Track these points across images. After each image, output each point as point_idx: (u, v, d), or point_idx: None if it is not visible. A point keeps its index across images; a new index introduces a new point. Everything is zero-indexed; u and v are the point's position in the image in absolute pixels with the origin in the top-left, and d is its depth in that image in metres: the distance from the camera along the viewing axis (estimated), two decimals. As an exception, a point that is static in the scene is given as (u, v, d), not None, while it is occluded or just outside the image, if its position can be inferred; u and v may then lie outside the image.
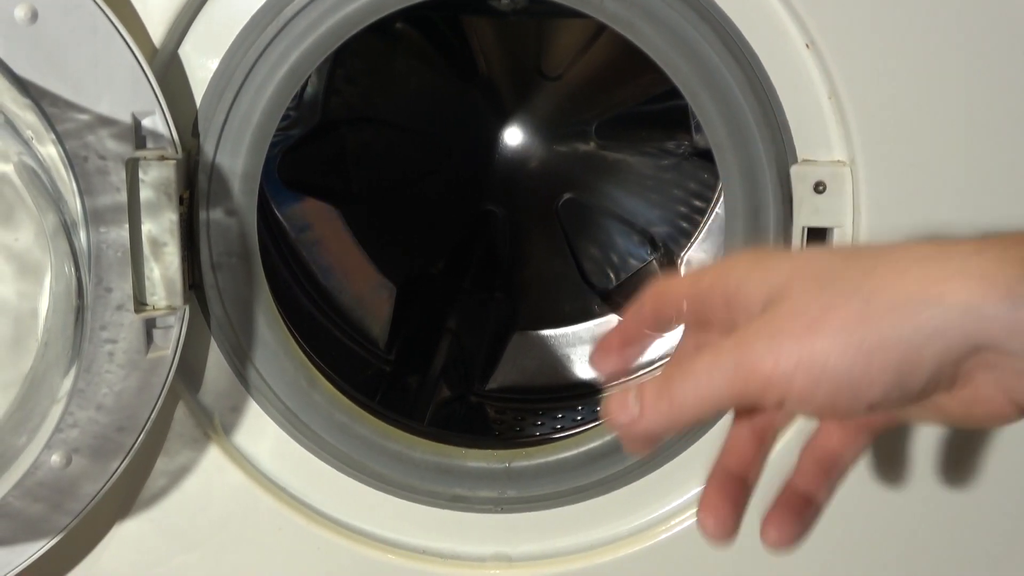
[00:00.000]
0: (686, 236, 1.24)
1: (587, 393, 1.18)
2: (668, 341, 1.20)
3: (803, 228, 0.79)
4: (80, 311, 0.75)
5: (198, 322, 0.81)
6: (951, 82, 0.74)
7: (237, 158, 0.78)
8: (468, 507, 0.88)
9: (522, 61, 1.26)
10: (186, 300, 0.76)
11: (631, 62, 1.14)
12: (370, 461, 0.86)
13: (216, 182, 0.78)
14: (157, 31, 0.75)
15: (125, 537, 0.86)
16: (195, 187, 0.78)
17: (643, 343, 0.56)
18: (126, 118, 0.72)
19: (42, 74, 0.70)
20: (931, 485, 0.85)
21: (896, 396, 0.44)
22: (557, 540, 0.89)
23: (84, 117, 0.71)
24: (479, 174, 1.29)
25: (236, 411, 0.85)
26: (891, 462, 0.84)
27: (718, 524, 0.56)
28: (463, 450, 0.88)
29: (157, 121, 0.73)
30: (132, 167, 0.72)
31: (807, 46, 0.75)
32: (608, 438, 0.86)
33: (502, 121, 1.27)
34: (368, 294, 1.22)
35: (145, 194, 0.73)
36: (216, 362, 0.84)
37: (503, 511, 0.88)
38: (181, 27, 0.76)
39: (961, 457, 0.84)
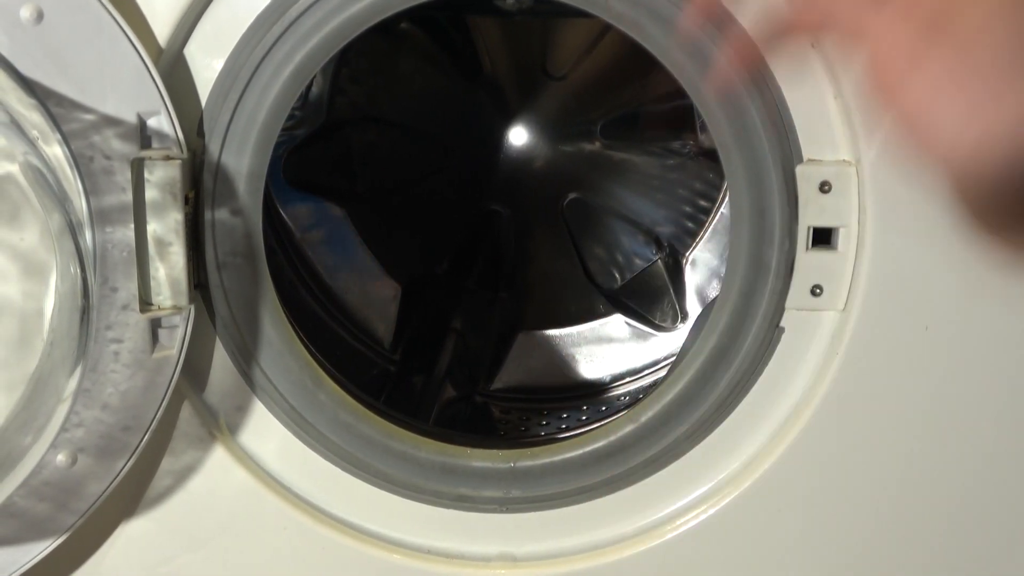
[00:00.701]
0: (691, 236, 1.24)
1: (592, 393, 1.18)
2: (673, 342, 1.20)
3: (808, 228, 0.78)
4: (85, 311, 0.75)
5: (203, 322, 0.81)
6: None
7: (242, 158, 0.78)
8: (473, 507, 0.88)
9: (527, 61, 1.26)
10: (191, 300, 0.76)
11: (636, 62, 1.14)
12: (375, 461, 0.86)
13: (221, 182, 0.78)
14: (162, 31, 0.75)
15: (130, 536, 0.86)
16: (200, 187, 0.78)
17: None
18: (131, 118, 0.72)
19: (48, 74, 0.70)
20: (931, 486, 0.85)
21: (1003, 188, 0.38)
22: (562, 540, 0.88)
23: (90, 117, 0.71)
24: (484, 174, 1.29)
25: (241, 411, 0.85)
26: (891, 464, 0.84)
27: None
28: (468, 450, 0.88)
29: (162, 121, 0.73)
30: (137, 167, 0.72)
31: (812, 45, 0.75)
32: (613, 438, 0.86)
33: (507, 121, 1.27)
34: (373, 294, 1.22)
35: (150, 194, 0.73)
36: (221, 362, 0.84)
37: (508, 511, 0.88)
38: (186, 27, 0.76)
39: (962, 457, 0.84)
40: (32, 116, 0.71)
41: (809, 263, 0.79)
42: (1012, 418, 0.82)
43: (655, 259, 1.26)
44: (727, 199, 1.14)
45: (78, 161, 0.71)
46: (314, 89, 1.20)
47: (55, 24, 0.70)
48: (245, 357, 0.83)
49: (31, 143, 0.73)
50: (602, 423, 0.91)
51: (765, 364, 0.83)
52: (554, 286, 1.30)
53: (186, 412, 0.84)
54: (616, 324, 1.24)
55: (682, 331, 1.21)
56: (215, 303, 0.81)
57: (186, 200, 0.75)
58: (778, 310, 0.81)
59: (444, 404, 1.13)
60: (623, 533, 0.88)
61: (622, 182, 1.28)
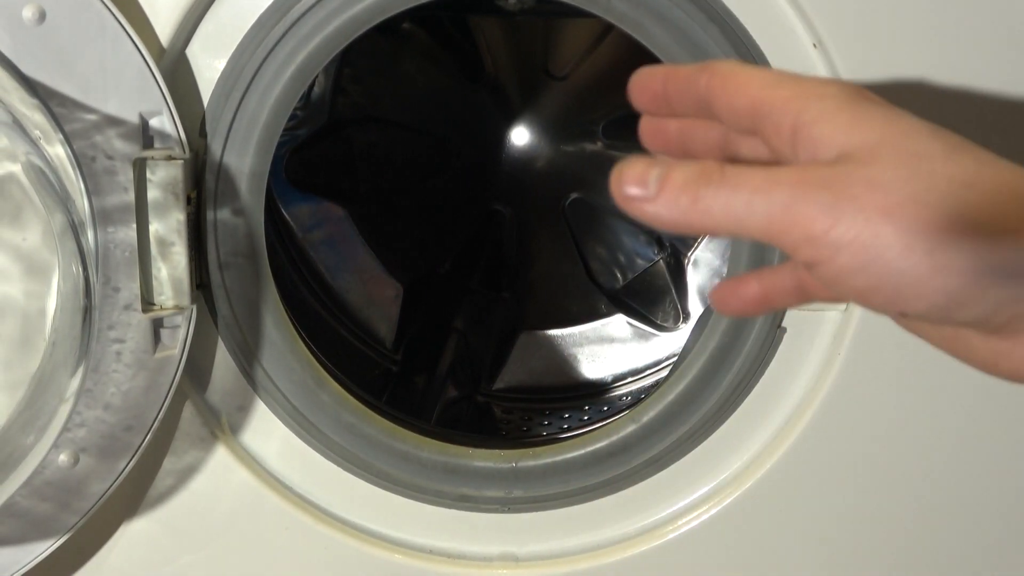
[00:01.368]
0: (693, 236, 1.24)
1: (594, 393, 1.18)
2: (675, 342, 1.20)
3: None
4: (88, 311, 0.75)
5: (205, 322, 0.81)
6: (959, 82, 0.74)
7: (244, 158, 0.78)
8: (475, 507, 0.88)
9: (529, 61, 1.26)
10: (193, 300, 0.76)
11: (638, 62, 1.13)
12: (377, 461, 0.86)
13: (223, 182, 0.78)
14: (165, 31, 0.75)
15: (132, 536, 0.86)
16: (202, 187, 0.78)
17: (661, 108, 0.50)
18: (134, 118, 0.72)
19: (50, 74, 0.70)
20: (933, 486, 0.85)
21: (935, 316, 0.41)
22: (564, 540, 0.88)
23: (92, 117, 0.71)
24: (486, 174, 1.29)
25: (243, 411, 0.85)
26: (893, 464, 0.84)
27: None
28: (470, 450, 0.88)
29: (165, 121, 0.73)
30: (140, 167, 0.72)
31: (814, 46, 0.75)
32: (615, 438, 0.86)
33: (509, 121, 1.27)
34: (375, 294, 1.22)
35: (153, 194, 0.73)
36: (223, 362, 0.84)
37: (510, 511, 0.88)
38: (188, 27, 0.76)
39: (962, 458, 0.84)
40: (34, 116, 0.72)
41: (811, 263, 0.79)
42: (1014, 418, 0.82)
43: (657, 259, 1.26)
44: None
45: (80, 161, 0.71)
46: (316, 89, 1.20)
47: (57, 24, 0.70)
48: (247, 357, 0.83)
49: (33, 143, 0.73)
50: (604, 423, 0.91)
51: (767, 364, 0.83)
52: (556, 286, 1.30)
53: (188, 412, 0.84)
54: (618, 324, 1.24)
55: (684, 331, 1.21)
56: (217, 303, 0.81)
57: (188, 200, 0.75)
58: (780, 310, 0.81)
59: (446, 404, 1.13)
60: (625, 533, 0.88)
61: (624, 182, 1.27)
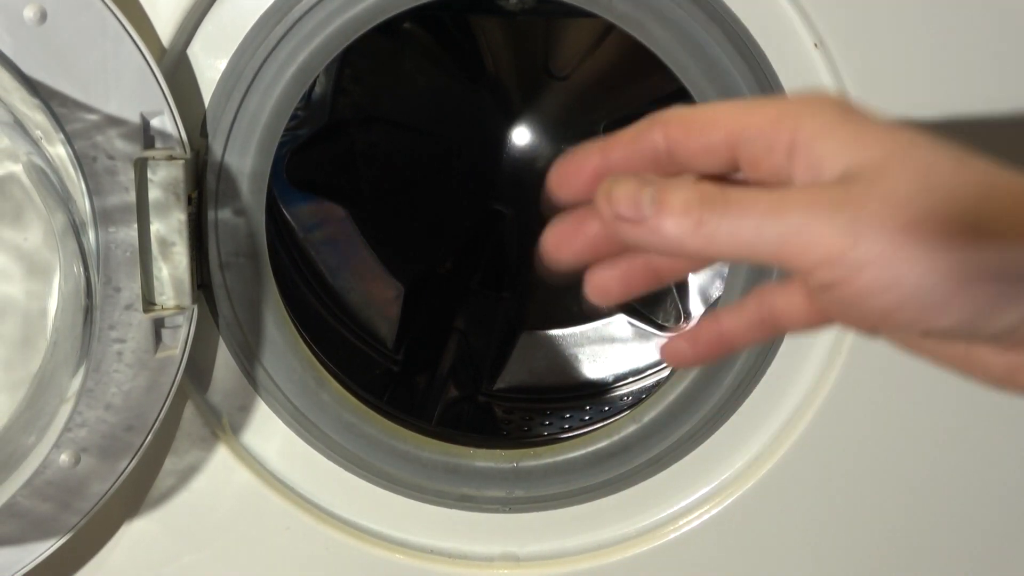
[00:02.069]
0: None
1: (595, 393, 1.18)
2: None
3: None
4: (89, 311, 0.75)
5: (206, 322, 0.81)
6: (960, 82, 0.74)
7: (245, 158, 0.78)
8: (476, 507, 0.88)
9: (530, 61, 1.26)
10: (194, 300, 0.76)
11: (639, 62, 1.13)
12: (378, 461, 0.86)
13: (224, 182, 0.78)
14: (166, 31, 0.75)
15: (133, 536, 0.86)
16: (203, 187, 0.78)
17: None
18: (135, 118, 0.72)
19: (51, 74, 0.70)
20: (935, 486, 0.85)
21: (960, 332, 0.39)
22: (565, 540, 0.88)
23: (93, 117, 0.71)
24: (487, 174, 1.29)
25: (244, 410, 0.85)
26: (895, 464, 0.84)
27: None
28: (471, 450, 0.88)
29: (166, 121, 0.73)
30: (141, 167, 0.72)
31: (815, 45, 0.75)
32: (616, 438, 0.86)
33: (510, 121, 1.27)
34: (376, 294, 1.22)
35: (154, 194, 0.73)
36: (224, 362, 0.84)
37: (511, 511, 0.88)
38: (189, 27, 0.76)
39: (964, 459, 0.84)
40: (35, 116, 0.72)
41: (812, 263, 0.79)
42: (1016, 417, 0.82)
43: (658, 259, 1.26)
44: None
45: (81, 161, 0.71)
46: (317, 89, 1.20)
47: (58, 24, 0.70)
48: (248, 357, 0.83)
49: (34, 143, 0.73)
50: (605, 423, 0.91)
51: (768, 364, 0.83)
52: (557, 286, 1.30)
53: (189, 412, 0.84)
54: (619, 324, 1.24)
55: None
56: (218, 303, 0.81)
57: (189, 200, 0.75)
58: (781, 310, 0.81)
59: (447, 404, 1.13)
60: (626, 533, 0.88)
61: (625, 182, 1.27)
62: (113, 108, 0.71)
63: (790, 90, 0.76)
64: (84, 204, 0.73)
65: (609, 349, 1.23)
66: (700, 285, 1.23)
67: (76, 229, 0.74)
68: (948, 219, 0.38)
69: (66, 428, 0.76)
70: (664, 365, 1.16)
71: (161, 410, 0.77)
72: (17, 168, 0.77)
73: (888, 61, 0.74)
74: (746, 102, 0.44)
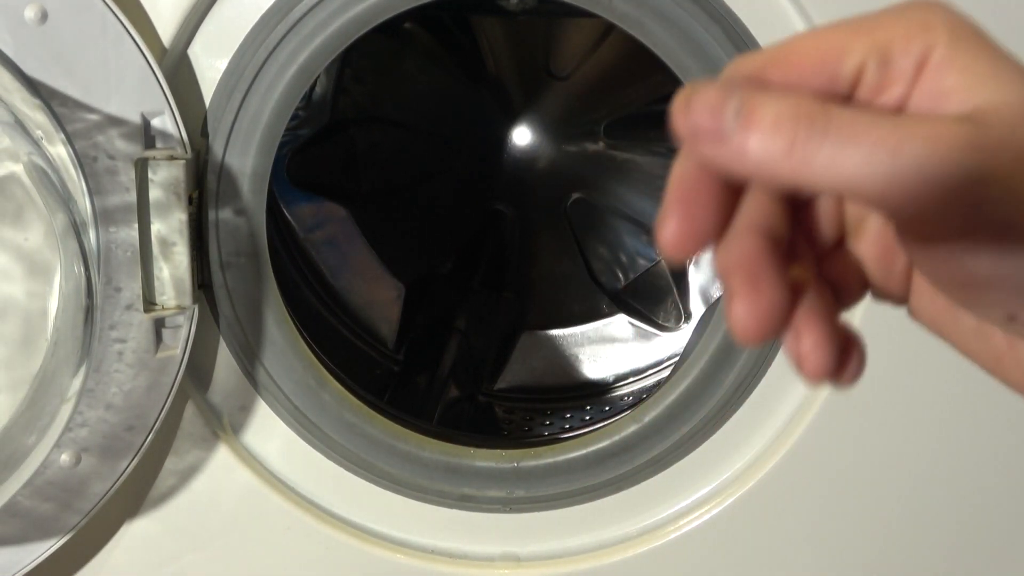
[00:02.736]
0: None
1: (596, 393, 1.18)
2: (677, 342, 1.20)
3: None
4: (90, 311, 0.75)
5: (207, 322, 0.81)
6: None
7: (246, 158, 0.78)
8: (476, 507, 0.88)
9: (531, 61, 1.26)
10: (195, 300, 0.76)
11: (640, 62, 1.13)
12: (379, 461, 0.86)
13: (225, 182, 0.78)
14: (166, 31, 0.75)
15: (134, 536, 0.86)
16: (204, 187, 0.78)
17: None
18: (135, 118, 0.72)
19: (52, 74, 0.70)
20: (936, 485, 0.85)
21: None
22: (565, 540, 0.88)
23: (94, 117, 0.71)
24: (488, 174, 1.29)
25: (245, 410, 0.85)
26: (896, 463, 0.84)
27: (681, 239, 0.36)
28: (472, 450, 0.88)
29: (166, 121, 0.73)
30: (141, 167, 0.72)
31: (816, 45, 0.75)
32: (616, 438, 0.86)
33: (511, 121, 1.27)
34: (377, 294, 1.22)
35: (154, 194, 0.73)
36: (225, 362, 0.84)
37: (511, 511, 0.88)
38: (190, 27, 0.76)
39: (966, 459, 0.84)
40: (36, 116, 0.72)
41: (813, 263, 0.79)
42: (1018, 416, 0.82)
43: (658, 259, 1.26)
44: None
45: (82, 161, 0.71)
46: (318, 89, 1.20)
47: (59, 24, 0.70)
48: (249, 357, 0.83)
49: (35, 143, 0.73)
50: (606, 423, 0.91)
51: (769, 364, 0.83)
52: (557, 286, 1.30)
53: (190, 412, 0.84)
54: (619, 324, 1.24)
55: (686, 331, 1.21)
56: (219, 303, 0.81)
57: (190, 200, 0.75)
58: (782, 310, 0.81)
59: (448, 404, 1.13)
60: (627, 533, 0.88)
61: (626, 182, 1.28)
62: (114, 108, 0.71)
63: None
64: (85, 204, 0.73)
65: (610, 349, 1.23)
66: (701, 285, 1.23)
67: (77, 229, 0.74)
68: None
69: (67, 428, 0.76)
70: (665, 365, 1.16)
71: (162, 410, 0.77)
72: (18, 168, 0.77)
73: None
74: (840, 23, 0.36)
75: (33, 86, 0.70)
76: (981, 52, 0.34)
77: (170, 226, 0.74)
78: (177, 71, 0.77)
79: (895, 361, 0.81)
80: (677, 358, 1.12)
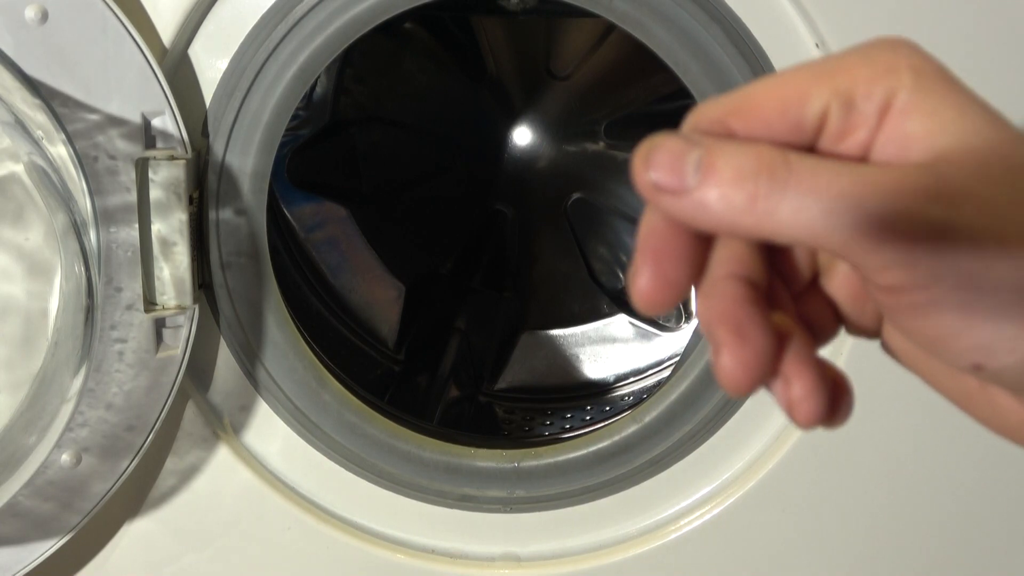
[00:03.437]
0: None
1: (596, 393, 1.18)
2: (677, 342, 1.20)
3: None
4: (90, 310, 0.75)
5: (207, 321, 0.81)
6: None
7: (247, 158, 0.78)
8: (477, 507, 0.88)
9: (531, 61, 1.26)
10: (195, 299, 0.76)
11: (640, 62, 1.14)
12: (379, 460, 0.86)
13: (226, 182, 0.78)
14: (167, 31, 0.75)
15: (135, 536, 0.86)
16: (205, 187, 0.78)
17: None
18: (136, 118, 0.72)
19: (52, 74, 0.70)
20: (938, 485, 0.85)
21: (1016, 375, 0.34)
22: (566, 540, 0.88)
23: (94, 117, 0.71)
24: (488, 174, 1.29)
25: (245, 410, 0.85)
26: (897, 463, 0.84)
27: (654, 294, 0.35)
28: (472, 450, 0.88)
29: (167, 121, 0.73)
30: (142, 167, 0.72)
31: (817, 46, 0.75)
32: (617, 438, 0.86)
33: (511, 121, 1.27)
34: (377, 294, 1.22)
35: (155, 194, 0.73)
36: (225, 361, 0.84)
37: (512, 511, 0.88)
38: (191, 27, 0.76)
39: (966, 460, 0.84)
40: (36, 116, 0.72)
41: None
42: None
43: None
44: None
45: (82, 161, 0.71)
46: (318, 89, 1.20)
47: (60, 24, 0.70)
48: (249, 357, 0.83)
49: (36, 143, 0.73)
50: (606, 423, 0.91)
51: (769, 364, 0.83)
52: (558, 286, 1.30)
53: (190, 412, 0.84)
54: (620, 324, 1.24)
55: (686, 331, 1.21)
56: (219, 303, 0.81)
57: (190, 200, 0.75)
58: (782, 310, 0.81)
59: (448, 404, 1.13)
60: (627, 533, 0.88)
61: (626, 182, 1.28)
62: (114, 108, 0.71)
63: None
64: (85, 204, 0.73)
65: (610, 349, 1.23)
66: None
67: (77, 229, 0.74)
68: None
69: (67, 428, 0.76)
70: (665, 365, 1.16)
71: (162, 410, 0.77)
72: (18, 168, 0.77)
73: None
74: (808, 65, 0.35)
75: (33, 86, 0.70)
76: (946, 95, 0.34)
77: (171, 226, 0.74)
78: (178, 71, 0.77)
79: (895, 362, 0.81)
80: (677, 358, 1.12)
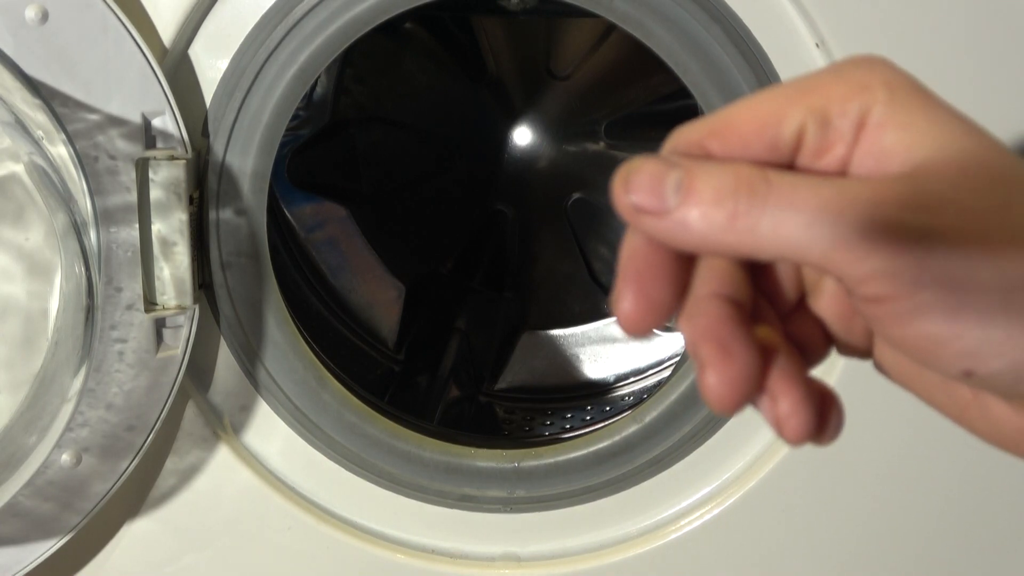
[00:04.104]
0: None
1: (596, 393, 1.18)
2: (677, 342, 1.20)
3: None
4: (90, 311, 0.75)
5: (208, 321, 0.81)
6: (961, 82, 0.74)
7: (247, 158, 0.78)
8: (477, 507, 0.88)
9: (531, 61, 1.26)
10: (196, 299, 0.76)
11: (641, 62, 1.14)
12: (379, 460, 0.86)
13: (226, 182, 0.78)
14: (167, 31, 0.75)
15: (135, 536, 0.86)
16: (205, 187, 0.78)
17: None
18: (136, 118, 0.72)
19: (52, 74, 0.70)
20: (940, 484, 0.85)
21: (1009, 379, 0.34)
22: (566, 540, 0.88)
23: (94, 117, 0.71)
24: (488, 174, 1.29)
25: (246, 410, 0.85)
26: (899, 462, 0.84)
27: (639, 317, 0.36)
28: (472, 450, 0.88)
29: (167, 121, 0.73)
30: (142, 167, 0.72)
31: (817, 45, 0.75)
32: (617, 438, 0.86)
33: (511, 121, 1.27)
34: (378, 294, 1.22)
35: (155, 194, 0.73)
36: (226, 361, 0.84)
37: (512, 511, 0.88)
38: (191, 27, 0.76)
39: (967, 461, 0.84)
40: (37, 116, 0.72)
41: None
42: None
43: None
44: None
45: (83, 161, 0.71)
46: (318, 89, 1.20)
47: (60, 24, 0.70)
48: (249, 357, 0.83)
49: (36, 143, 0.73)
50: (606, 423, 0.91)
51: (769, 364, 0.83)
52: (558, 286, 1.30)
53: (190, 412, 0.84)
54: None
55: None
56: (219, 303, 0.81)
57: (191, 200, 0.75)
58: (782, 310, 0.81)
59: (448, 404, 1.13)
60: (627, 533, 0.88)
61: (626, 182, 1.27)
62: (114, 108, 0.71)
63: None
64: (85, 204, 0.73)
65: (610, 349, 1.23)
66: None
67: (77, 229, 0.74)
68: None
69: (67, 428, 0.76)
70: (665, 365, 1.16)
71: (162, 410, 0.77)
72: (19, 168, 0.77)
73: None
74: (782, 86, 0.36)
75: (34, 86, 0.70)
76: (920, 108, 0.34)
77: (171, 226, 0.74)
78: (178, 71, 0.77)
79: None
80: (678, 358, 1.12)
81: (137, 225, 0.73)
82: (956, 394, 0.38)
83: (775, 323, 0.38)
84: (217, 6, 0.76)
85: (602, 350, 1.23)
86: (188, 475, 0.85)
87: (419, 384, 1.15)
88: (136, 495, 0.85)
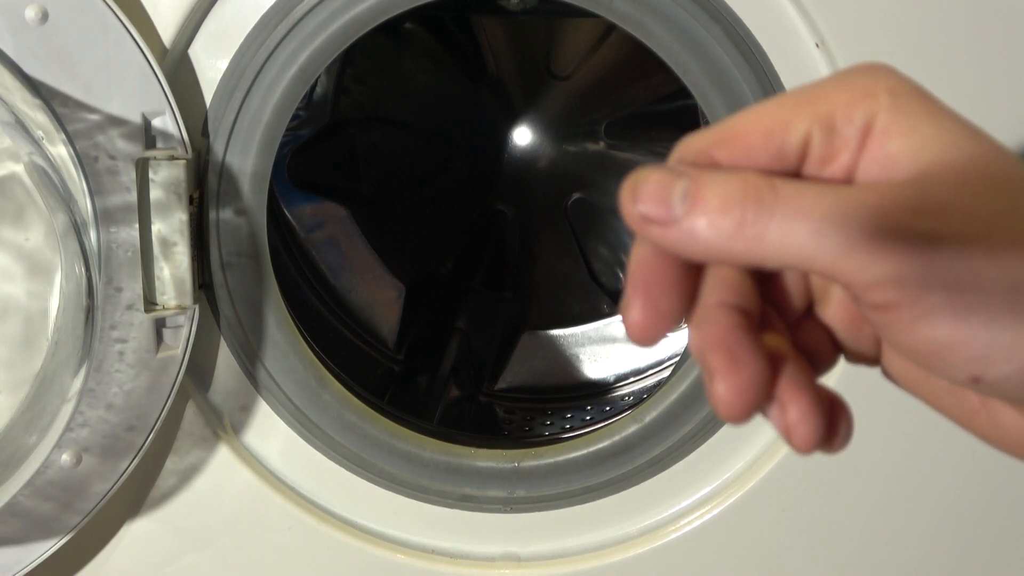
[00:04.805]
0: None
1: (596, 393, 1.18)
2: (677, 342, 1.20)
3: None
4: (90, 311, 0.75)
5: (208, 321, 0.81)
6: (961, 82, 0.74)
7: (247, 158, 0.78)
8: (477, 507, 0.88)
9: (532, 61, 1.26)
10: (196, 300, 0.76)
11: (641, 62, 1.13)
12: (379, 460, 0.86)
13: (226, 182, 0.78)
14: (167, 31, 0.75)
15: (135, 536, 0.86)
16: (205, 187, 0.78)
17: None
18: (136, 118, 0.72)
19: (52, 74, 0.70)
20: (941, 483, 0.85)
21: (1017, 384, 0.34)
22: (566, 540, 0.88)
23: (94, 117, 0.71)
24: (488, 174, 1.29)
25: (246, 410, 0.85)
26: (899, 462, 0.84)
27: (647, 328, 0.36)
28: (472, 450, 0.88)
29: (167, 121, 0.73)
30: (142, 167, 0.72)
31: (817, 45, 0.75)
32: (617, 438, 0.86)
33: (511, 121, 1.27)
34: (378, 294, 1.22)
35: (155, 194, 0.73)
36: (226, 361, 0.84)
37: (512, 511, 0.88)
38: (191, 27, 0.76)
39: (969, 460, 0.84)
40: (37, 116, 0.72)
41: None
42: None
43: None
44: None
45: (83, 161, 0.71)
46: (318, 89, 1.20)
47: (60, 24, 0.70)
48: (249, 357, 0.83)
49: (36, 143, 0.73)
50: (606, 423, 0.91)
51: (769, 364, 0.83)
52: (558, 286, 1.30)
53: (190, 412, 0.84)
54: (620, 324, 1.24)
55: (686, 331, 1.21)
56: (219, 303, 0.81)
57: (191, 200, 0.75)
58: (782, 310, 0.81)
59: (448, 404, 1.13)
60: (627, 533, 0.88)
61: (626, 182, 1.27)
62: (115, 108, 0.71)
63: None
64: (86, 204, 0.73)
65: (610, 349, 1.23)
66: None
67: (78, 229, 0.74)
68: None
69: (68, 428, 0.76)
70: (665, 365, 1.16)
71: (162, 410, 0.77)
72: (19, 168, 0.77)
73: (889, 61, 0.74)
74: (784, 96, 0.36)
75: (34, 86, 0.70)
76: (924, 113, 0.34)
77: (171, 226, 0.74)
78: (178, 71, 0.77)
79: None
80: (677, 358, 1.12)
81: (137, 225, 0.73)
82: (964, 400, 0.38)
83: (783, 331, 0.38)
84: (217, 6, 0.76)
85: (602, 350, 1.23)
86: (188, 475, 0.85)
87: (419, 384, 1.15)
88: (136, 495, 0.85)
